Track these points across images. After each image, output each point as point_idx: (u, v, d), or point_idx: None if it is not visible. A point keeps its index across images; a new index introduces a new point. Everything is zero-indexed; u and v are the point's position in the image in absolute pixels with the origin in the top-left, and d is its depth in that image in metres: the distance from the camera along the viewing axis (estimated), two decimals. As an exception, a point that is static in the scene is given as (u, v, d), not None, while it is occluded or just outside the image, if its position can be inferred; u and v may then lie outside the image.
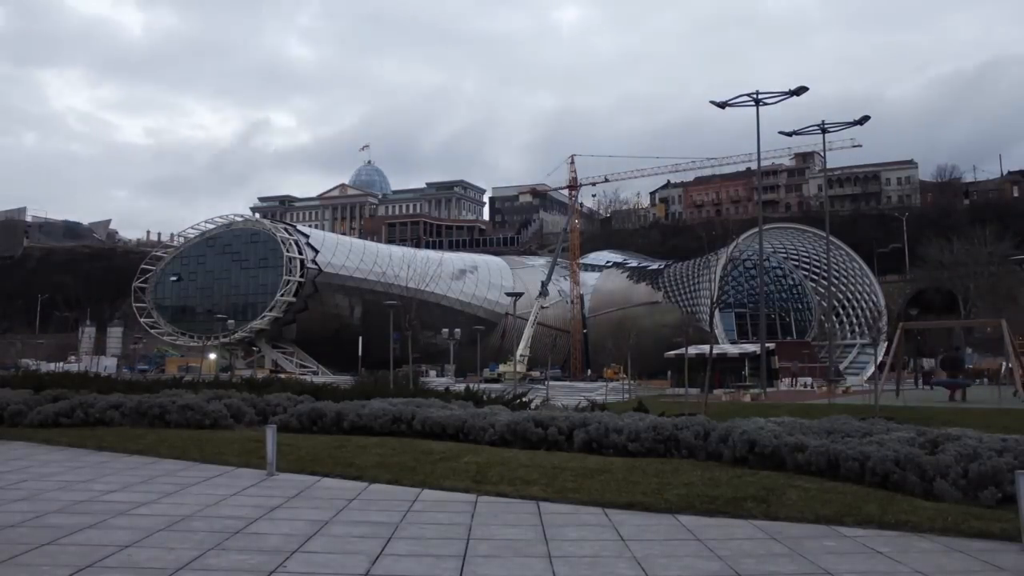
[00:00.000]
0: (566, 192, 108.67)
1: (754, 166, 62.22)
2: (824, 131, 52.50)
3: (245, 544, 6.92)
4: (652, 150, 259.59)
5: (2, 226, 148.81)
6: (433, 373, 70.84)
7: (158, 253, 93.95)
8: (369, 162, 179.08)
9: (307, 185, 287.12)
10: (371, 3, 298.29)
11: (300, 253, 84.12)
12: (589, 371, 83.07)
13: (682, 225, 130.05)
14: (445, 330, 76.99)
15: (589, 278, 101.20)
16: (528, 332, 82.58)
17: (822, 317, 70.84)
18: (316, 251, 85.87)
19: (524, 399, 19.59)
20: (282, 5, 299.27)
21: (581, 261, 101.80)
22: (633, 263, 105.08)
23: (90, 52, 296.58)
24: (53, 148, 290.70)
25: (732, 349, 55.37)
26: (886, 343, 54.58)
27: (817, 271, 76.85)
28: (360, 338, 63.31)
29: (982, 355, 66.49)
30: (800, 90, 46.30)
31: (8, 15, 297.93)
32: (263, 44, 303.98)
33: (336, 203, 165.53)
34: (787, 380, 50.73)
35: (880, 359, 50.80)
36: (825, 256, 64.11)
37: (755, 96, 46.86)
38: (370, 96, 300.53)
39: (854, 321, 75.52)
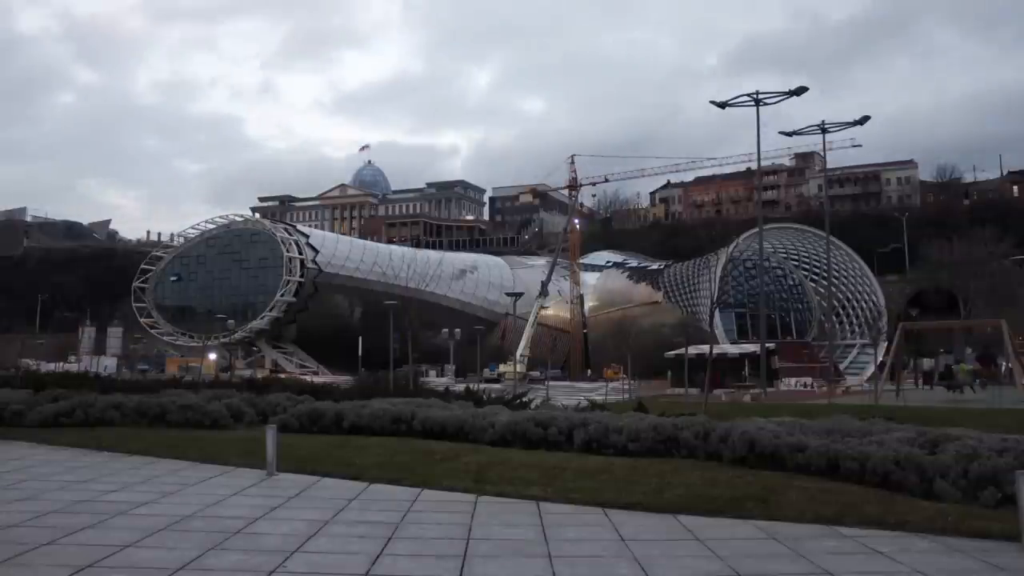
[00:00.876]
0: (566, 192, 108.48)
1: (754, 166, 62.17)
2: (824, 131, 52.51)
3: (245, 544, 6.92)
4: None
5: (2, 226, 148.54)
6: (433, 373, 70.68)
7: (158, 253, 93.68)
8: (369, 162, 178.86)
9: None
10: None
11: (300, 253, 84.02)
12: (589, 371, 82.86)
13: (682, 225, 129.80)
14: (445, 330, 76.84)
15: (589, 278, 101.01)
16: (528, 332, 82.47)
17: (822, 317, 70.76)
18: (316, 251, 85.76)
19: (524, 399, 19.60)
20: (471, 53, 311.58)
21: (581, 261, 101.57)
22: (633, 263, 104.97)
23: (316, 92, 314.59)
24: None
25: (732, 349, 55.27)
26: (886, 343, 54.59)
27: (817, 271, 76.74)
28: (360, 338, 63.28)
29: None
30: (800, 90, 46.30)
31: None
32: (449, 83, 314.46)
33: (336, 203, 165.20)
34: (793, 380, 50.66)
35: (880, 359, 50.76)
36: (825, 256, 64.07)
37: (755, 96, 46.88)
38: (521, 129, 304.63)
39: (854, 321, 75.45)
